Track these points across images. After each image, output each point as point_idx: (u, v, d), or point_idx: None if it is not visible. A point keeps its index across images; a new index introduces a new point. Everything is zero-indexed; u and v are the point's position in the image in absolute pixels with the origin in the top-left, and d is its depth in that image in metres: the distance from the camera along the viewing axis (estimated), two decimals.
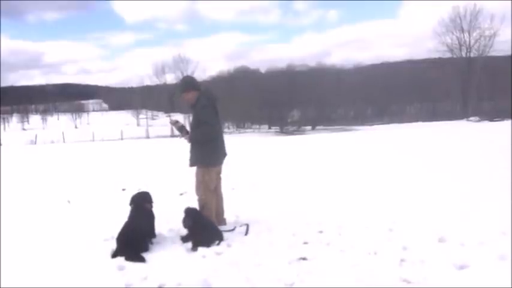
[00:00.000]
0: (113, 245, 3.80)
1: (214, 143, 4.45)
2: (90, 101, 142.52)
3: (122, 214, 4.23)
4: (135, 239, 3.78)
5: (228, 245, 3.91)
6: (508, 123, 22.01)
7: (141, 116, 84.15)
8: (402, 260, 3.33)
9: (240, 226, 4.47)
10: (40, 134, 43.48)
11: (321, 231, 4.21)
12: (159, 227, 4.34)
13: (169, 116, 72.31)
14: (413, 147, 13.43)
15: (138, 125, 77.75)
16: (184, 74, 62.50)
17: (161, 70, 72.71)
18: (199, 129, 4.39)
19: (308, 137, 26.25)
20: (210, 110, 4.37)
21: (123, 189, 7.12)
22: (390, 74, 60.08)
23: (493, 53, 48.39)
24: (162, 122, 73.23)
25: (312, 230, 4.26)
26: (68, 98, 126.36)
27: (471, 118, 37.40)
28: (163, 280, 3.13)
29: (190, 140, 4.46)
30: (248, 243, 3.97)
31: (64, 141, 37.34)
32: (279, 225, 4.46)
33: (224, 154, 4.65)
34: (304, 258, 3.47)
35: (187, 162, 4.52)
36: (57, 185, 8.15)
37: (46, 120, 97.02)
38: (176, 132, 4.50)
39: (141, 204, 4.25)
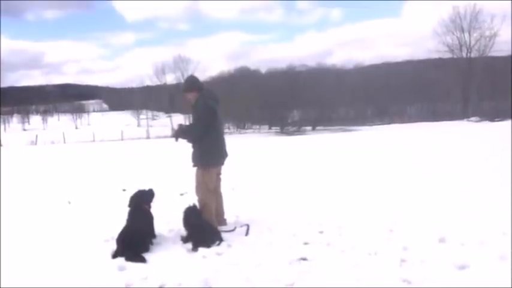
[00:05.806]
0: (114, 246, 3.81)
1: (214, 143, 4.44)
2: (91, 101, 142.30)
3: (122, 214, 4.23)
4: (135, 239, 3.78)
5: (229, 245, 3.91)
6: (508, 124, 21.99)
7: (141, 116, 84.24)
8: (402, 260, 3.33)
9: (241, 226, 4.47)
10: (40, 135, 43.45)
11: (321, 232, 4.21)
12: (160, 227, 4.35)
13: (170, 116, 72.43)
14: (413, 147, 13.43)
15: (138, 125, 77.81)
16: (185, 74, 62.70)
17: (161, 70, 72.83)
18: (183, 127, 4.62)
19: (308, 138, 26.28)
20: (204, 112, 4.37)
21: (124, 190, 7.12)
22: (391, 74, 60.12)
23: (493, 53, 48.55)
24: (163, 122, 73.35)
25: (312, 230, 4.26)
26: (68, 98, 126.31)
27: (471, 118, 37.41)
28: (163, 280, 3.13)
29: (177, 138, 4.60)
30: (248, 243, 3.97)
31: (64, 142, 37.36)
32: (279, 225, 4.47)
33: (225, 155, 4.65)
34: (304, 259, 3.47)
35: (191, 162, 4.54)
36: (57, 185, 8.16)
37: (46, 121, 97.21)
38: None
39: (140, 204, 4.25)
